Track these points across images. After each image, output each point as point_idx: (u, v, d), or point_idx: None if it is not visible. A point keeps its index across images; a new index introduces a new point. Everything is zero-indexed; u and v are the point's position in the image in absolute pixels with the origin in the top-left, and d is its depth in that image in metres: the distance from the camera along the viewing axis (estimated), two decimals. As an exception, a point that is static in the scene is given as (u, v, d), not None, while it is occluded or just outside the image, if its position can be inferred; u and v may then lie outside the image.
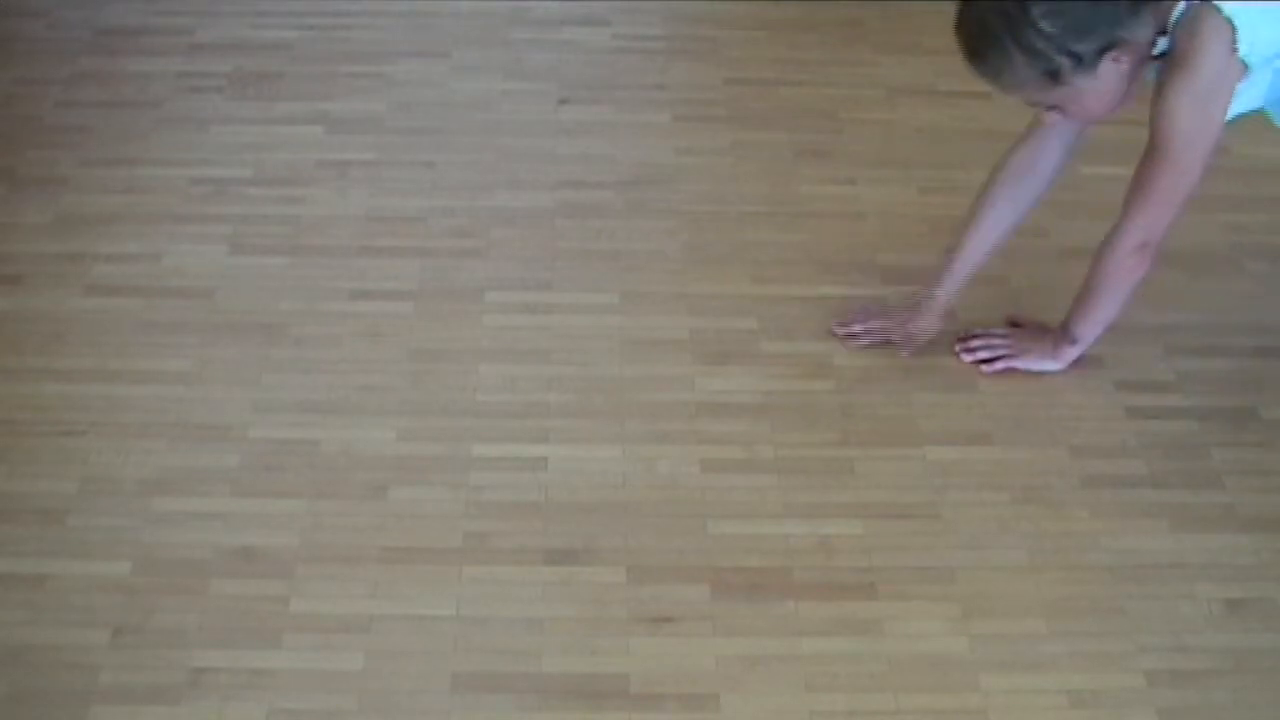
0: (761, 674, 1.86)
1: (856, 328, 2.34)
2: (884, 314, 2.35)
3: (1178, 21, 1.98)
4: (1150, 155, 2.06)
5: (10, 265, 2.46)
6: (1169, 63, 2.00)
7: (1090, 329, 2.25)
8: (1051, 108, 2.05)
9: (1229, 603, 1.97)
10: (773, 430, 2.19)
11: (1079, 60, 1.96)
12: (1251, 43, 1.96)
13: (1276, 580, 2.00)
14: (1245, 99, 2.06)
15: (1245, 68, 1.99)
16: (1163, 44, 2.01)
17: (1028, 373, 2.28)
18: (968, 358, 2.31)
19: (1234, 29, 1.95)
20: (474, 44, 3.05)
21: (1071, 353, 2.28)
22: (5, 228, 2.54)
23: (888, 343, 2.32)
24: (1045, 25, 1.94)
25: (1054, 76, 1.98)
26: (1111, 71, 1.99)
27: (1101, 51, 1.96)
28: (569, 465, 2.13)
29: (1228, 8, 1.95)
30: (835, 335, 2.34)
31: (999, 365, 2.29)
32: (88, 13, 3.13)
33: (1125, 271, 2.16)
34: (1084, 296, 2.23)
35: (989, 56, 1.99)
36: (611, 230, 2.57)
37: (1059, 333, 2.28)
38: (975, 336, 2.33)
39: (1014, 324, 2.36)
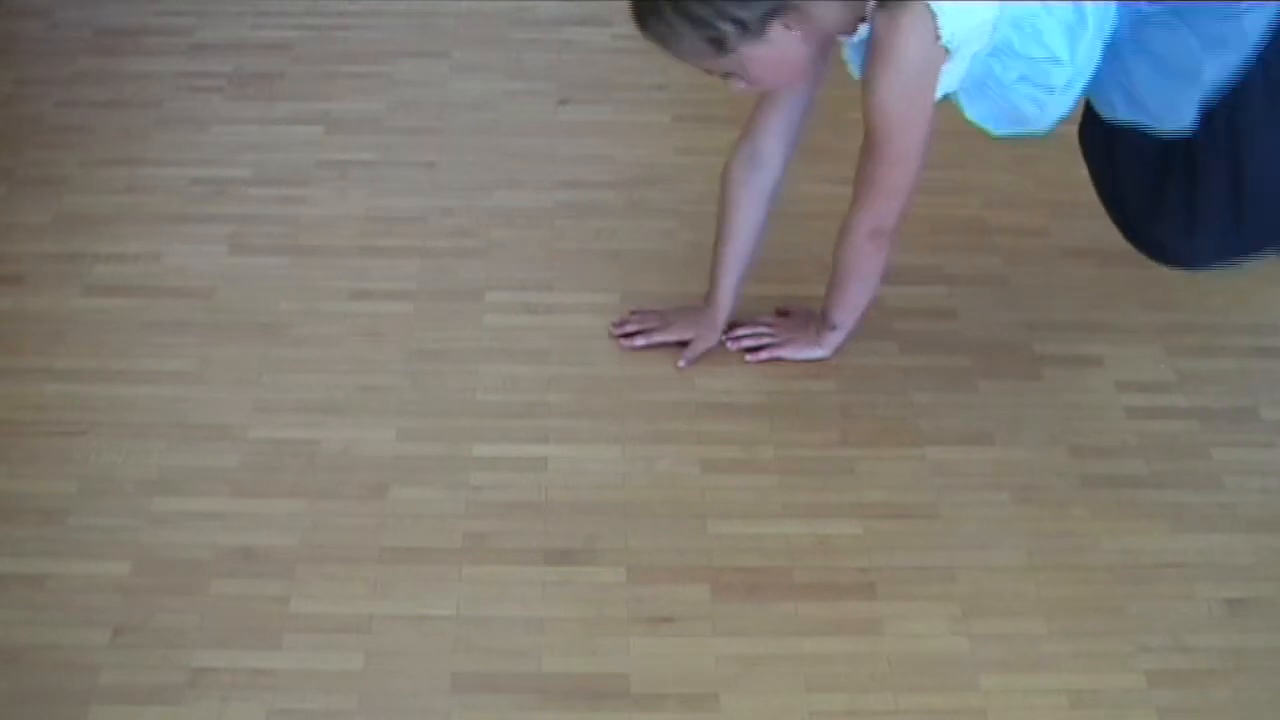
0: (761, 674, 1.86)
1: (631, 328, 2.32)
2: (667, 322, 2.32)
3: (875, 9, 1.96)
4: (868, 148, 2.05)
5: (10, 265, 2.46)
6: (872, 53, 1.98)
7: (846, 315, 2.25)
8: (727, 76, 2.01)
9: (1229, 603, 1.97)
10: (773, 430, 2.19)
11: (743, 26, 1.93)
12: (953, 31, 1.94)
13: (1276, 580, 2.00)
14: (943, 84, 2.04)
15: (948, 53, 1.96)
16: (864, 31, 1.99)
17: (796, 360, 2.28)
18: (733, 346, 2.30)
19: (935, 16, 1.93)
20: (474, 44, 3.05)
21: (834, 338, 2.28)
22: (5, 228, 2.54)
23: (663, 345, 2.31)
24: None
25: (720, 44, 1.95)
26: (785, 39, 1.96)
27: (767, 17, 1.92)
28: (569, 465, 2.13)
29: None
30: (612, 335, 2.32)
31: (763, 355, 2.28)
32: (88, 13, 3.13)
33: (865, 259, 2.16)
34: (833, 285, 2.23)
35: (653, 24, 1.96)
36: (611, 230, 2.57)
37: (820, 320, 2.27)
38: (741, 326, 2.32)
39: (782, 313, 2.35)
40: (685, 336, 2.30)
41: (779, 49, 1.97)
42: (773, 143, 2.20)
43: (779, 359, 2.29)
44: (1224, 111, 1.98)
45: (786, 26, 1.95)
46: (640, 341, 2.31)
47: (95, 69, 2.96)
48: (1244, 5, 1.95)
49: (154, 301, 2.39)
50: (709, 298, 2.30)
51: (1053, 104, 2.06)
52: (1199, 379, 2.30)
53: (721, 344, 2.31)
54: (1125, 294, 2.46)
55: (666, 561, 2.00)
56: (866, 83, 1.99)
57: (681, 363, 2.28)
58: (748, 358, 2.29)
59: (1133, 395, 2.26)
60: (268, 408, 2.21)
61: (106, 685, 1.81)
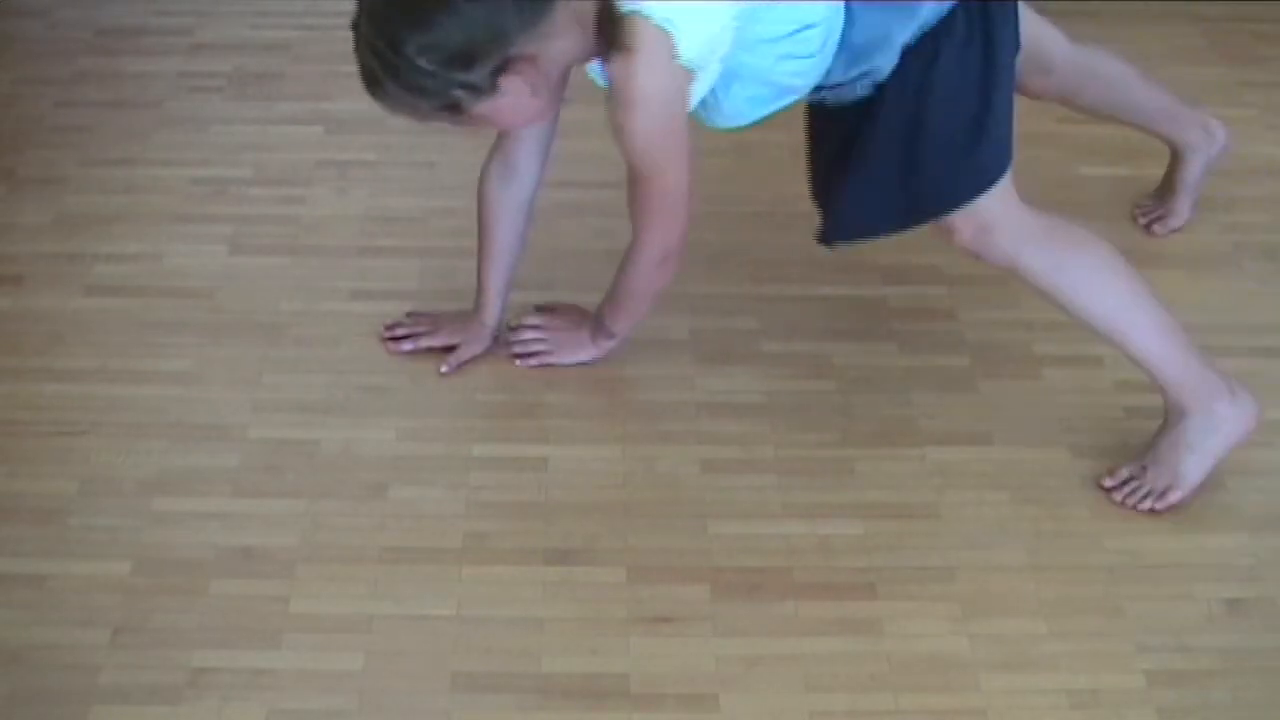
0: (761, 674, 1.86)
1: (400, 331, 2.30)
2: (436, 326, 2.31)
3: (614, 29, 1.87)
4: (633, 178, 2.02)
5: (10, 265, 2.46)
6: (614, 95, 1.91)
7: (626, 326, 2.25)
8: (471, 126, 1.99)
9: (1229, 603, 1.97)
10: (773, 430, 2.19)
11: (475, 89, 1.87)
12: (690, 46, 1.87)
13: (1276, 580, 2.00)
14: (696, 95, 1.98)
15: (692, 73, 1.90)
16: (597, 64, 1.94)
17: (567, 365, 2.27)
18: (509, 353, 2.29)
19: (670, 37, 1.85)
20: (474, 44, 3.05)
21: (608, 345, 2.27)
22: (5, 228, 2.54)
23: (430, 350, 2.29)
24: (424, 63, 1.83)
25: (456, 109, 1.90)
26: (520, 85, 1.90)
27: (496, 74, 1.86)
28: (569, 465, 2.13)
29: (659, 12, 1.83)
30: (382, 338, 2.30)
31: (533, 361, 2.27)
32: (88, 13, 3.13)
33: (654, 281, 2.16)
34: (617, 299, 2.21)
35: (383, 98, 1.91)
36: (611, 230, 2.56)
37: (595, 327, 2.26)
38: (517, 330, 2.30)
39: (547, 309, 2.34)
40: (453, 341, 2.28)
41: (516, 96, 1.92)
42: (525, 155, 2.19)
43: (550, 364, 2.27)
44: (919, 59, 1.94)
45: (520, 75, 1.89)
46: (408, 346, 2.28)
47: (95, 69, 2.96)
48: None
49: (154, 301, 2.39)
50: (477, 305, 2.28)
51: (813, 67, 1.98)
52: (1199, 379, 2.30)
53: (494, 349, 2.29)
54: (1125, 294, 2.46)
55: (666, 561, 2.00)
56: (616, 125, 1.93)
57: (444, 368, 2.26)
58: (518, 363, 2.27)
59: (1133, 395, 2.26)
60: (268, 408, 2.21)
61: (106, 685, 1.81)
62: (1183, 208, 2.57)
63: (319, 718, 1.79)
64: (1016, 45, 2.01)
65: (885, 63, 1.95)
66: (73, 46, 3.03)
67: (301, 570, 1.96)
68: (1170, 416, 2.07)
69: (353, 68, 2.98)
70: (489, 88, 1.88)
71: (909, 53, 1.94)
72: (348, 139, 2.77)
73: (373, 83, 1.91)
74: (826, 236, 2.11)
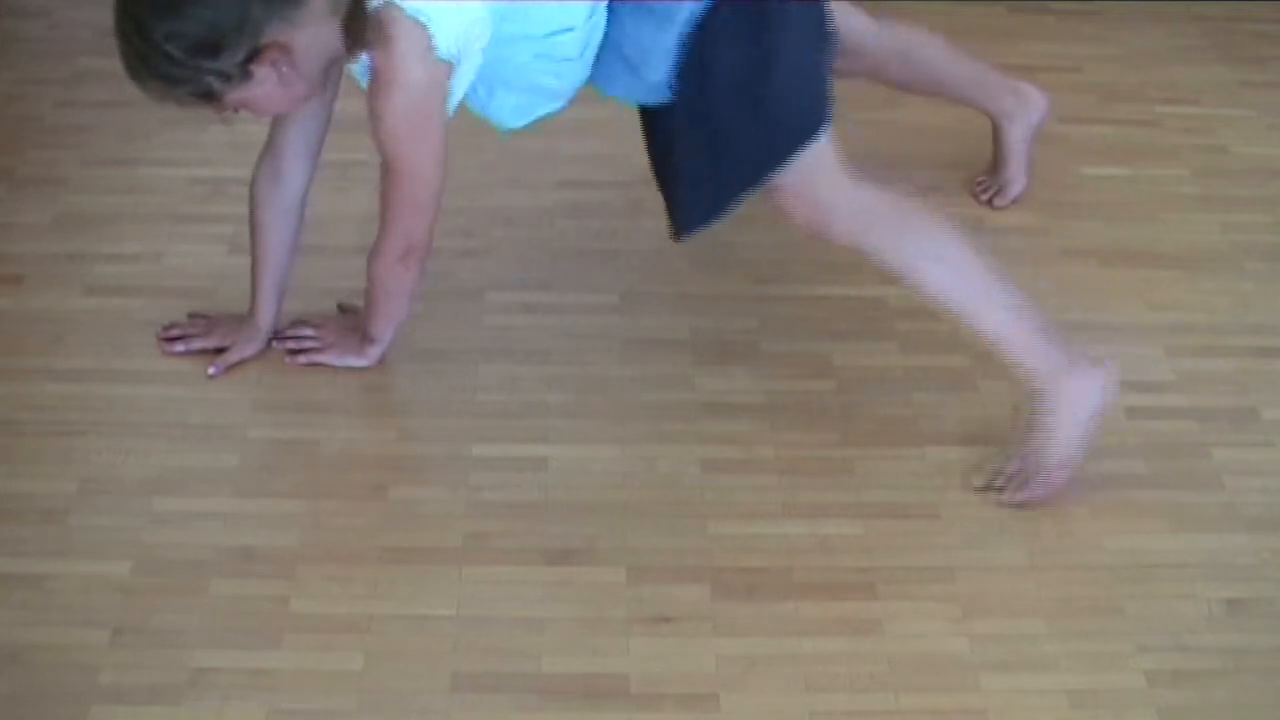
0: (761, 674, 1.86)
1: (175, 333, 2.29)
2: (209, 329, 2.29)
3: (369, 24, 1.91)
4: (386, 172, 2.04)
5: (10, 265, 2.46)
6: (373, 82, 1.96)
7: (382, 328, 2.23)
8: (238, 111, 1.97)
9: (1229, 603, 1.97)
10: (773, 430, 2.19)
11: (225, 77, 1.87)
12: (448, 39, 1.91)
13: (1276, 580, 2.00)
14: (459, 88, 2.02)
15: (451, 66, 1.94)
16: (365, 58, 1.96)
17: (337, 366, 2.26)
18: (278, 345, 2.28)
19: (426, 30, 1.89)
20: (474, 44, 3.05)
21: (374, 350, 2.25)
22: (5, 228, 2.54)
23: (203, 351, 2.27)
24: (172, 50, 1.83)
25: (210, 96, 1.90)
26: (275, 75, 1.91)
27: (248, 62, 1.87)
28: (569, 465, 2.13)
29: (411, 7, 1.89)
30: (158, 338, 2.29)
31: (301, 359, 2.26)
32: (88, 13, 3.13)
33: (398, 277, 2.15)
34: (368, 300, 2.21)
35: (143, 88, 1.90)
36: (611, 230, 2.57)
37: (362, 332, 2.25)
38: (290, 327, 2.29)
39: (346, 309, 2.33)
40: (223, 344, 2.26)
41: (274, 84, 1.92)
42: (293, 159, 2.18)
43: (318, 363, 2.26)
44: (694, 58, 1.98)
45: (273, 64, 1.89)
46: (180, 347, 2.27)
47: (95, 69, 2.96)
48: None
49: (154, 301, 2.39)
50: (251, 310, 2.27)
51: (570, 71, 2.05)
52: (1199, 379, 2.30)
53: (271, 346, 2.28)
54: (1125, 294, 2.46)
55: (666, 561, 2.00)
56: (372, 112, 1.97)
57: (211, 369, 2.24)
58: (288, 359, 2.27)
59: (1133, 395, 2.26)
60: (268, 408, 2.21)
61: (106, 685, 1.81)
62: (1016, 175, 2.61)
63: (319, 718, 1.79)
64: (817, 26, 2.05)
65: (657, 72, 2.00)
66: (73, 46, 3.03)
67: (301, 570, 1.96)
68: (1025, 398, 2.08)
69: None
70: (240, 75, 1.89)
71: (683, 50, 1.98)
72: (348, 139, 2.76)
73: (130, 70, 1.90)
74: (676, 232, 2.13)
